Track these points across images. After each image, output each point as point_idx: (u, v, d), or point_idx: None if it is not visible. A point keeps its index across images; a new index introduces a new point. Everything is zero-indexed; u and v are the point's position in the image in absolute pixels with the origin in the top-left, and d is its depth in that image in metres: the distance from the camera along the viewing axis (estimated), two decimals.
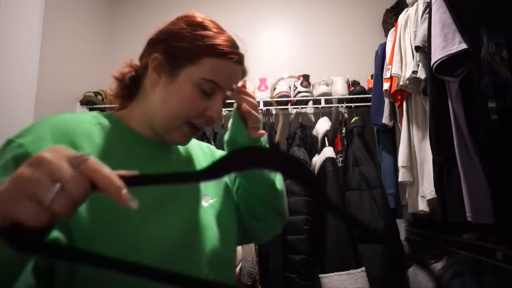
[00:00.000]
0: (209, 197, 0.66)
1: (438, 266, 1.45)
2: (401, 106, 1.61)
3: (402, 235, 1.92)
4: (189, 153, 0.71)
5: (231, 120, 0.69)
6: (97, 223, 0.48)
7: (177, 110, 0.59)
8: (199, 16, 0.63)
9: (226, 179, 0.74)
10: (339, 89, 2.02)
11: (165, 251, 0.53)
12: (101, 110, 2.15)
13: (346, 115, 2.16)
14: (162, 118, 0.60)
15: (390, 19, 2.05)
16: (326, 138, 1.85)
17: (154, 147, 0.63)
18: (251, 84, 2.13)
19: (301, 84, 2.04)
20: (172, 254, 0.54)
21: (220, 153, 0.80)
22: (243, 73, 0.67)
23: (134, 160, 0.58)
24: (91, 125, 0.57)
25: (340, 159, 1.84)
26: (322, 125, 1.88)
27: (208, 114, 0.60)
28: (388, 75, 1.59)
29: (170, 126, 0.60)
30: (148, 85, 0.62)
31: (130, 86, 0.65)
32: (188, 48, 0.59)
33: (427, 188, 1.37)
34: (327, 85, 2.04)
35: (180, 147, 0.69)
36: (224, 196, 0.70)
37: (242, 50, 0.65)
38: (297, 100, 2.05)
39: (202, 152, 0.74)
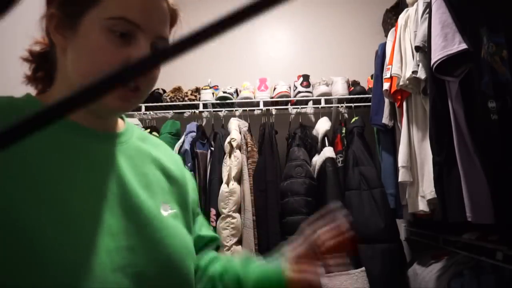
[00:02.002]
0: (168, 206, 0.55)
1: (438, 266, 1.45)
2: (401, 106, 1.61)
3: (402, 235, 1.92)
4: (142, 150, 0.57)
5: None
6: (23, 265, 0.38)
7: (91, 67, 0.46)
8: None
9: (190, 199, 0.62)
10: (339, 89, 2.02)
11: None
12: None
13: (346, 115, 2.16)
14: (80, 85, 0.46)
15: (390, 19, 2.05)
16: (326, 138, 1.86)
17: (85, 135, 0.50)
18: (251, 84, 2.13)
19: (301, 84, 2.04)
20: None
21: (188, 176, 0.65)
22: (173, 13, 0.52)
23: (55, 154, 0.45)
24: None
25: (340, 159, 1.84)
26: (322, 125, 1.88)
27: None
28: (388, 75, 1.59)
29: None
30: (58, 53, 0.49)
31: (43, 65, 0.53)
32: None
33: (427, 188, 1.37)
34: (327, 85, 2.04)
35: (131, 143, 0.56)
36: (185, 213, 0.58)
37: None
38: (297, 100, 2.05)
39: (157, 164, 0.58)
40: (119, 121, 0.59)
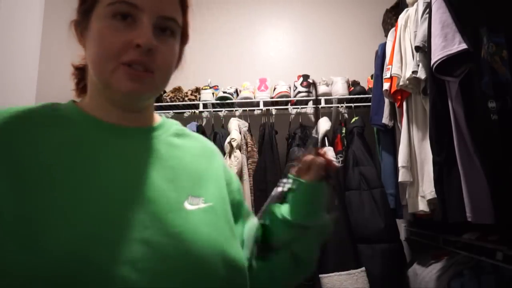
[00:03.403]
0: (201, 199, 0.52)
1: (438, 266, 1.45)
2: (401, 106, 1.61)
3: (402, 235, 1.92)
4: (174, 145, 0.57)
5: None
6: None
7: (97, 54, 0.48)
8: None
9: (231, 197, 0.60)
10: (339, 89, 2.02)
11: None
12: None
13: (346, 115, 2.16)
14: (95, 75, 0.50)
15: (390, 19, 2.05)
16: (326, 138, 1.86)
17: (105, 130, 0.52)
18: (251, 84, 2.13)
19: (301, 84, 2.04)
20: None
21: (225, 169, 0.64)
22: None
23: (69, 148, 0.47)
24: (30, 117, 0.49)
25: (340, 159, 1.84)
26: (322, 125, 1.88)
27: (135, 42, 0.47)
28: (388, 75, 1.59)
29: (104, 77, 0.48)
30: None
31: (84, 77, 0.58)
32: None
33: (427, 188, 1.37)
34: (327, 85, 2.04)
35: (163, 138, 0.56)
36: (224, 208, 0.56)
37: None
38: (297, 100, 2.05)
39: (195, 159, 0.58)
40: (155, 116, 0.60)
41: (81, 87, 0.60)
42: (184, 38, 0.57)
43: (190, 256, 0.45)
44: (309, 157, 0.61)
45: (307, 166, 0.60)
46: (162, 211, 0.47)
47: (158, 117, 0.61)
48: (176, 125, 0.62)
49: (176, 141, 0.58)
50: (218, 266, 0.47)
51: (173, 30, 0.52)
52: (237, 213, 0.61)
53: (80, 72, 0.59)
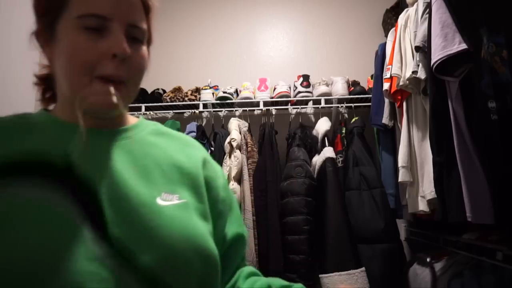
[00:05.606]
0: (175, 196, 0.52)
1: (438, 266, 1.45)
2: (401, 106, 1.61)
3: (402, 235, 1.92)
4: (149, 144, 0.57)
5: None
6: None
7: (71, 67, 0.48)
8: None
9: (211, 194, 0.59)
10: (339, 89, 2.02)
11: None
12: None
13: (346, 115, 2.16)
14: (67, 87, 0.50)
15: (390, 19, 2.05)
16: (326, 138, 1.86)
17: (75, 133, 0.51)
18: (251, 84, 2.13)
19: (301, 84, 2.04)
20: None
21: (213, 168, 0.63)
22: (145, 3, 0.53)
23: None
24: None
25: (340, 159, 1.84)
26: (322, 125, 1.88)
27: (111, 53, 0.48)
28: (388, 75, 1.59)
29: (78, 91, 0.48)
30: (54, 68, 0.53)
31: (50, 86, 0.58)
32: None
33: (427, 188, 1.37)
34: (327, 85, 2.04)
35: (137, 138, 0.57)
36: (201, 205, 0.56)
37: None
38: (297, 100, 2.05)
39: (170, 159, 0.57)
40: (131, 118, 0.60)
41: (47, 96, 0.60)
42: (149, 40, 0.57)
43: (163, 251, 0.46)
44: None
45: None
46: (134, 208, 0.47)
47: (135, 119, 0.61)
48: (154, 125, 0.63)
49: (152, 140, 0.58)
50: (193, 260, 0.48)
51: (143, 37, 0.53)
52: (223, 209, 0.61)
53: (45, 82, 0.59)
